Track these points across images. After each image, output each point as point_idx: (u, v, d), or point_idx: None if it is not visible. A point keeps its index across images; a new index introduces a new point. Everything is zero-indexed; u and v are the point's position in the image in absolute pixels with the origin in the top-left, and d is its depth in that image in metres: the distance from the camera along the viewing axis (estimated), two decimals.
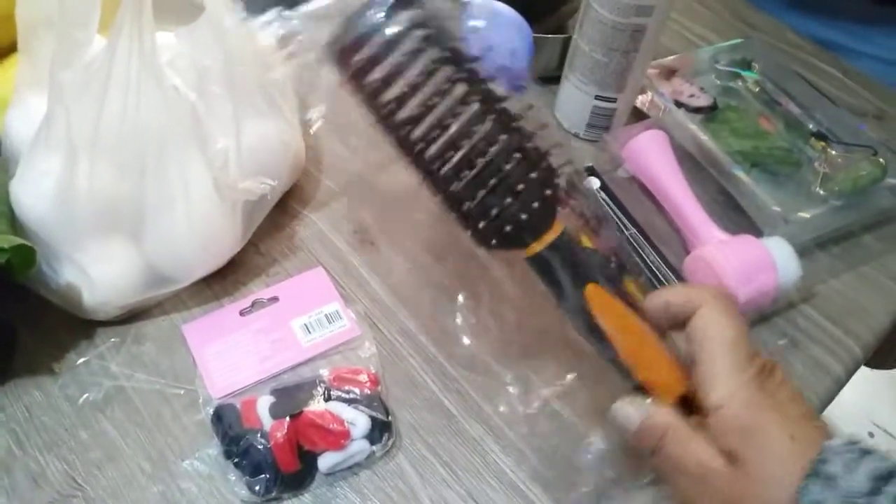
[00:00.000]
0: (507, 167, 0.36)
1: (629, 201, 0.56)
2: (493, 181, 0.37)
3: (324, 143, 0.61)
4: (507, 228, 0.37)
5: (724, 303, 0.37)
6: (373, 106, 0.37)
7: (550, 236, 0.38)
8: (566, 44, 0.62)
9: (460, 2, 0.41)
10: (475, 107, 0.36)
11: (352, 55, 0.36)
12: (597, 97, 0.60)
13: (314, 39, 0.40)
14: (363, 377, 0.45)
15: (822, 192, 0.57)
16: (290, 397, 0.44)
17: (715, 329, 0.36)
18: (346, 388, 0.44)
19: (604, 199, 0.56)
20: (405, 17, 0.35)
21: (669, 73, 0.64)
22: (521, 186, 0.37)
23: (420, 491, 0.43)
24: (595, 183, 0.57)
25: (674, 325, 0.38)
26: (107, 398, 0.45)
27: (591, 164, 0.59)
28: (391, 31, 0.35)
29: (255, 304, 0.50)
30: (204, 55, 0.45)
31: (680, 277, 0.51)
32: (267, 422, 0.42)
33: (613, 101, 0.60)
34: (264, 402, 0.43)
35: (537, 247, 0.38)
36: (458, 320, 0.50)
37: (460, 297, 0.52)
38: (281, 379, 0.47)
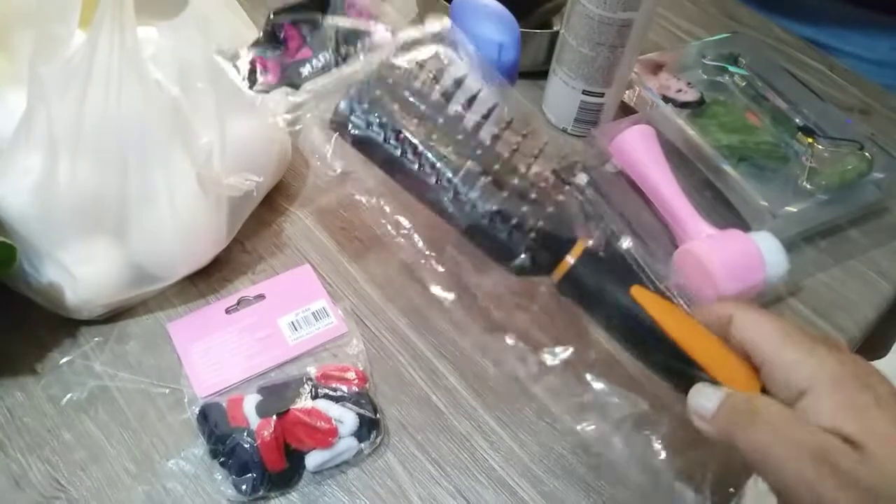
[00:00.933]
0: (526, 202, 0.37)
1: (617, 196, 0.56)
2: (514, 218, 0.37)
3: (310, 138, 0.60)
4: (533, 256, 0.37)
5: (750, 306, 0.35)
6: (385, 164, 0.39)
7: (576, 253, 0.38)
8: (553, 38, 0.62)
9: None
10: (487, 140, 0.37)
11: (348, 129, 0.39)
12: (584, 92, 0.60)
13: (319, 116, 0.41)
14: (351, 374, 0.45)
15: (808, 186, 0.57)
16: (277, 395, 0.43)
17: (760, 327, 0.34)
18: (334, 385, 0.44)
19: (591, 195, 0.56)
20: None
21: (657, 68, 0.64)
22: (539, 220, 0.37)
23: (409, 488, 0.43)
24: (583, 178, 0.57)
25: None
26: (91, 398, 0.45)
27: (578, 160, 0.58)
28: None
29: (241, 302, 0.49)
30: (187, 50, 0.45)
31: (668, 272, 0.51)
32: (253, 420, 0.42)
33: (601, 95, 0.60)
34: (251, 401, 0.43)
35: (564, 267, 0.38)
36: (447, 316, 0.50)
37: (449, 294, 0.51)
38: (268, 377, 0.46)
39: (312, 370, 0.45)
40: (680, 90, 0.63)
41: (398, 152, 0.38)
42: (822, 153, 0.59)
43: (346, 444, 0.42)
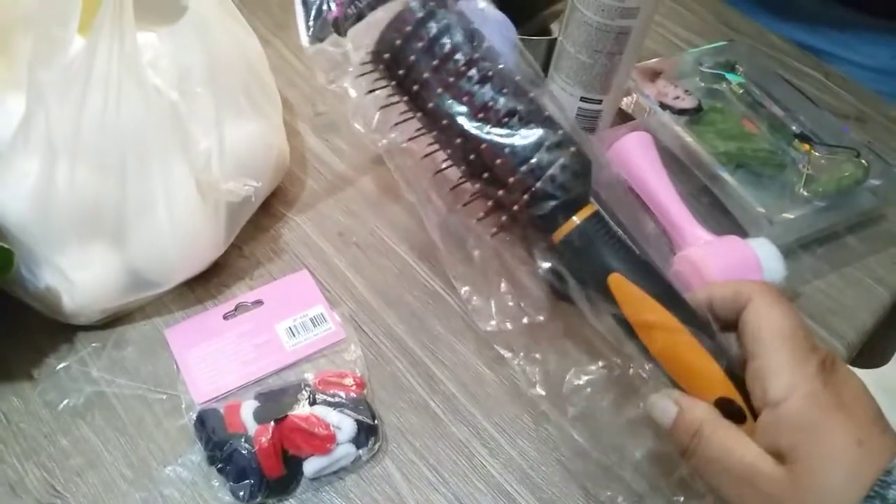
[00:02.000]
0: (539, 150, 0.36)
1: (615, 202, 0.56)
2: (526, 165, 0.36)
3: (308, 144, 0.61)
4: (546, 204, 0.36)
5: (774, 295, 0.35)
6: (409, 92, 0.38)
7: (583, 214, 0.37)
8: (551, 45, 0.62)
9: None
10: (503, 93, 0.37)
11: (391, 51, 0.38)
12: (582, 98, 0.60)
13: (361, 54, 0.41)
14: (349, 381, 0.45)
15: (805, 193, 0.57)
16: (274, 401, 0.43)
17: (770, 321, 0.34)
18: (332, 391, 0.44)
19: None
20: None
21: (654, 76, 0.65)
22: (553, 166, 0.36)
23: (407, 495, 0.42)
24: None
25: (721, 324, 0.36)
26: (87, 404, 0.44)
27: None
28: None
29: (239, 308, 0.49)
30: (186, 55, 0.45)
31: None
32: (251, 426, 0.42)
33: (599, 102, 0.60)
34: (248, 407, 0.43)
35: (567, 228, 0.37)
36: (445, 323, 0.50)
37: (447, 299, 0.51)
38: (265, 383, 0.46)
39: (310, 376, 0.45)
40: (677, 97, 0.63)
41: (432, 81, 0.37)
42: (818, 160, 0.59)
43: (344, 451, 0.42)
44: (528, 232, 0.39)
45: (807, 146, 0.60)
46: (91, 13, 0.40)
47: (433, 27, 0.38)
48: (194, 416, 0.43)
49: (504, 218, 0.39)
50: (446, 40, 0.38)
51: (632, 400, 0.39)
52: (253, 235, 0.53)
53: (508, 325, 0.42)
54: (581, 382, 0.41)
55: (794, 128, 0.62)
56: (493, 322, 0.42)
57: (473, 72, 0.37)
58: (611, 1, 0.52)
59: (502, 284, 0.42)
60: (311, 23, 0.42)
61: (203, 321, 0.49)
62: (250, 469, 0.40)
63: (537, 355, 0.42)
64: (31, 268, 0.45)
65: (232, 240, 0.50)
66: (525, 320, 0.41)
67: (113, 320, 0.48)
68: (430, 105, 0.38)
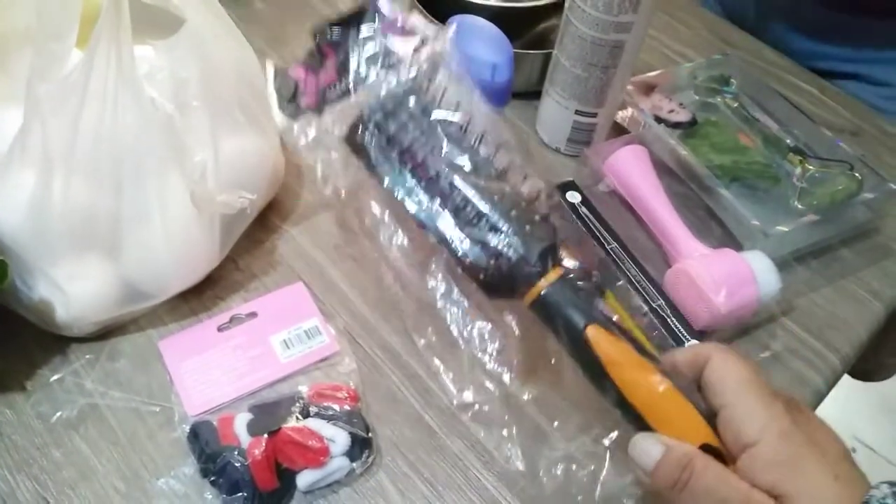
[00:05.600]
0: (504, 221, 0.38)
1: (610, 216, 0.56)
2: (490, 235, 0.38)
3: (304, 157, 0.60)
4: (505, 278, 0.38)
5: (730, 351, 0.37)
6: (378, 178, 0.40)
7: (550, 279, 0.38)
8: (547, 59, 0.62)
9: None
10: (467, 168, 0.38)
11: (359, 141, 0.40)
12: (577, 112, 0.60)
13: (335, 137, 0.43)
14: (342, 393, 0.44)
15: (800, 206, 0.57)
16: (268, 414, 0.43)
17: (730, 372, 0.35)
18: (326, 404, 0.44)
19: (585, 214, 0.56)
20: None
21: (649, 89, 0.65)
22: (515, 238, 0.38)
23: None
24: (576, 197, 0.58)
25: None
26: (80, 416, 0.44)
27: (571, 179, 0.59)
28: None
29: (234, 320, 0.49)
30: (182, 68, 0.45)
31: (660, 290, 0.51)
32: (245, 439, 0.42)
33: (594, 115, 0.61)
34: (242, 420, 0.42)
35: (536, 292, 0.38)
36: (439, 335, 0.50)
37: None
38: (259, 395, 0.46)
39: (304, 389, 0.45)
40: (672, 110, 0.63)
41: (398, 168, 0.39)
42: (812, 174, 0.59)
43: (338, 464, 0.42)
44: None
45: (801, 159, 0.60)
46: (89, 27, 0.40)
47: (392, 126, 0.39)
48: (187, 429, 0.43)
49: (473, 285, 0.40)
50: (404, 137, 0.39)
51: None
52: (248, 248, 0.53)
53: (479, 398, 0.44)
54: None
55: (788, 141, 0.62)
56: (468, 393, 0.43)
57: (431, 165, 0.38)
58: (605, 15, 0.53)
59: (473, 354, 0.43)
60: (284, 104, 0.43)
61: (197, 333, 0.49)
62: (243, 482, 0.40)
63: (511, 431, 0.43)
64: (25, 279, 0.45)
65: (227, 252, 0.51)
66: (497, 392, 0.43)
67: (107, 332, 0.48)
68: (396, 195, 0.40)
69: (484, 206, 0.38)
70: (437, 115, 0.40)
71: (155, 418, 0.45)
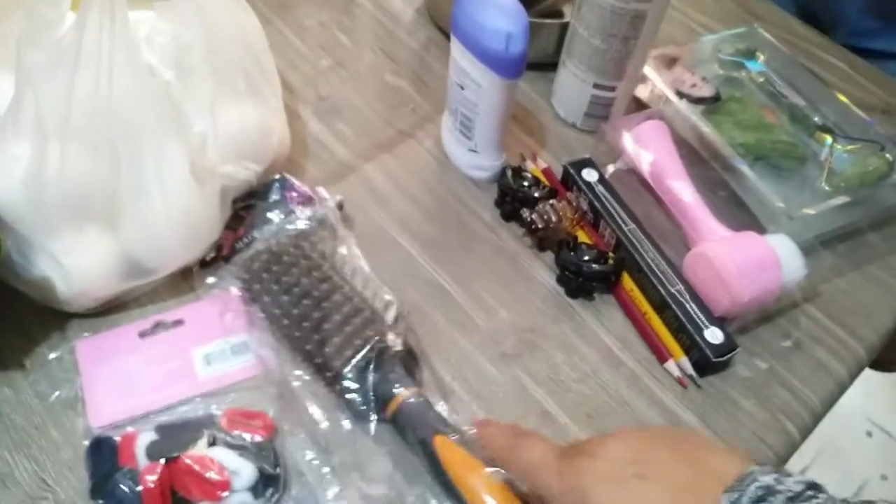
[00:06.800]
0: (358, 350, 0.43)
1: (628, 195, 0.54)
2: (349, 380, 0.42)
3: (310, 129, 0.59)
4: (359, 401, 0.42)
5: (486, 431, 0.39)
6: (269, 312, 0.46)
7: (391, 408, 0.41)
8: (563, 29, 0.60)
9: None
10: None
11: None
12: (595, 85, 0.58)
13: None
14: (257, 422, 0.41)
15: (827, 187, 0.55)
16: (172, 437, 0.40)
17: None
18: (237, 432, 0.41)
19: (601, 193, 0.54)
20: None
21: (671, 62, 0.62)
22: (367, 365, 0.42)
23: None
24: (592, 175, 0.55)
25: None
26: (79, 396, 0.43)
27: (588, 156, 0.57)
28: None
29: (158, 326, 0.46)
30: (185, 32, 0.43)
31: (679, 274, 0.49)
32: (142, 462, 0.39)
33: (612, 89, 0.58)
34: (144, 439, 0.40)
35: (392, 408, 0.41)
36: (449, 315, 0.48)
37: (451, 293, 0.50)
38: (172, 412, 0.43)
39: (218, 412, 0.42)
40: (694, 85, 0.60)
41: (270, 310, 0.45)
42: (841, 153, 0.57)
43: (239, 499, 0.39)
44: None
45: (829, 138, 0.58)
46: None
47: (278, 269, 0.46)
48: (87, 443, 0.40)
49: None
50: (287, 278, 0.45)
51: None
52: None
53: None
54: None
55: (816, 119, 0.59)
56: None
57: (312, 306, 0.44)
58: None
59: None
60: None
61: (116, 338, 0.45)
62: None
63: None
64: (23, 253, 0.43)
65: (224, 225, 0.49)
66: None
67: (106, 309, 0.47)
68: (283, 328, 0.45)
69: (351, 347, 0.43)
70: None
71: None
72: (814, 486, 0.29)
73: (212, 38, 0.44)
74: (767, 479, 0.30)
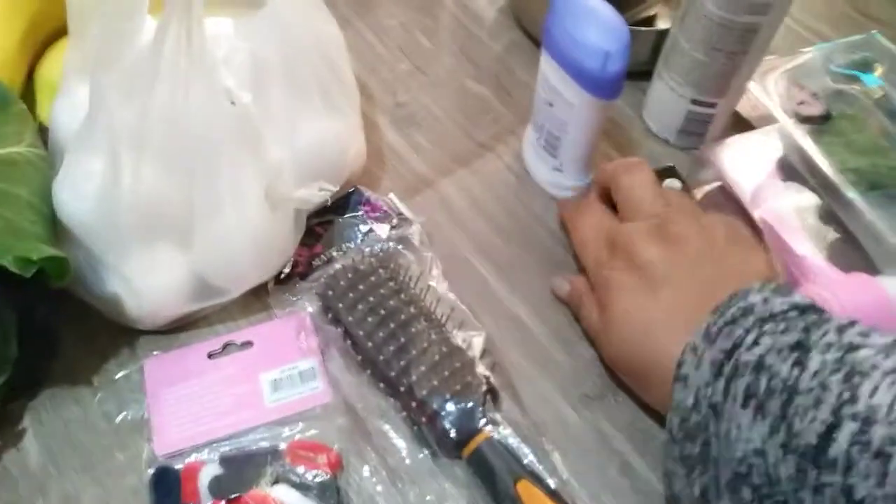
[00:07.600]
0: (436, 381, 0.41)
1: None
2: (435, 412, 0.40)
3: (387, 139, 0.56)
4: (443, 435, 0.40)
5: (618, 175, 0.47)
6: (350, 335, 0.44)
7: (470, 448, 0.40)
8: (660, 36, 0.55)
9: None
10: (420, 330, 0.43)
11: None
12: (693, 101, 0.53)
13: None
14: (322, 458, 0.40)
15: None
16: (236, 471, 0.39)
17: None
18: (300, 468, 0.39)
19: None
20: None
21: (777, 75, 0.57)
22: (448, 399, 0.40)
23: None
24: (675, 185, 0.51)
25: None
26: (145, 419, 0.42)
27: (671, 164, 0.52)
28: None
29: (227, 347, 0.45)
30: (263, 50, 0.41)
31: None
32: (205, 499, 0.38)
33: (712, 105, 0.54)
34: (208, 473, 0.39)
35: (472, 446, 0.40)
36: (527, 350, 0.45)
37: (530, 327, 0.47)
38: (238, 440, 0.41)
39: (283, 444, 0.41)
40: (802, 102, 0.55)
41: (354, 330, 0.43)
42: None
43: None
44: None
45: None
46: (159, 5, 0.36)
47: (363, 288, 0.44)
48: (150, 473, 0.39)
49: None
50: (372, 298, 0.43)
51: None
52: None
53: None
54: None
55: None
56: None
57: (398, 330, 0.42)
58: None
59: None
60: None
61: (185, 358, 0.44)
62: None
63: None
64: (95, 269, 0.43)
65: (299, 242, 0.47)
66: None
67: (176, 327, 0.46)
68: (365, 351, 0.43)
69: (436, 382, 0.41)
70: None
71: None
72: (800, 308, 0.27)
73: (289, 53, 0.42)
74: (755, 298, 0.28)
